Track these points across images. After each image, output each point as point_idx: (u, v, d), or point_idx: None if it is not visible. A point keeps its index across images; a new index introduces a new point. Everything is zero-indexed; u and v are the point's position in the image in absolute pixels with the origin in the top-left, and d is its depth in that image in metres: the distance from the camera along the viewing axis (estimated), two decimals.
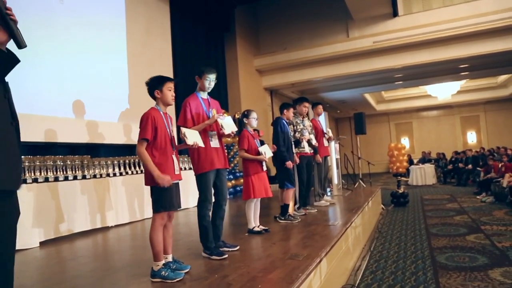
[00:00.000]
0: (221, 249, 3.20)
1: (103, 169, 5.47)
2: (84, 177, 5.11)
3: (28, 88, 4.89)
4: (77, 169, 5.07)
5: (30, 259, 3.76)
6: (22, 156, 4.48)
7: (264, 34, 12.69)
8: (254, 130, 4.19)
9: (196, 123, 3.14)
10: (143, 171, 3.17)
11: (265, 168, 3.97)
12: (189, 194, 6.62)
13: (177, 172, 2.72)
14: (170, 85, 2.76)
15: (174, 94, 2.77)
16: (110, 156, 5.80)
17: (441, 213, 7.37)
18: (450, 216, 6.99)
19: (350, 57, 11.27)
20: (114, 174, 5.61)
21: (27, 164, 4.47)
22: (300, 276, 2.43)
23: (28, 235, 4.21)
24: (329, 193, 6.89)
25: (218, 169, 3.19)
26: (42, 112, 5.04)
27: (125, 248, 4.11)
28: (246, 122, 4.06)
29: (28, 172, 4.46)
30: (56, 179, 4.75)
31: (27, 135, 4.88)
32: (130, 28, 6.85)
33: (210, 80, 3.23)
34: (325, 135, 5.99)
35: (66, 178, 4.87)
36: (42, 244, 4.32)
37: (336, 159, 7.04)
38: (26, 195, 4.27)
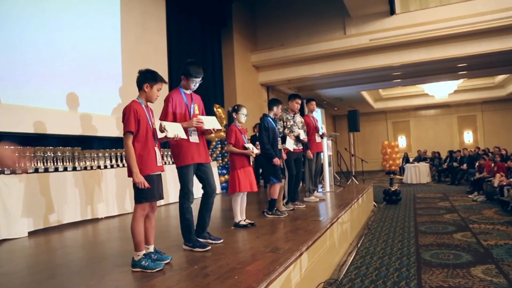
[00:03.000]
0: (205, 240, 3.24)
1: (94, 161, 5.50)
2: (74, 168, 5.14)
3: (21, 80, 4.91)
4: (68, 160, 5.09)
5: (18, 248, 3.79)
6: (12, 147, 4.51)
7: (261, 30, 12.69)
8: None
9: (178, 119, 3.14)
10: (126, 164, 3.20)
11: (251, 163, 4.00)
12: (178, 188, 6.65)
13: (159, 164, 2.75)
14: (161, 86, 2.81)
15: (159, 95, 2.82)
16: (103, 149, 5.83)
17: (432, 211, 7.42)
18: (440, 214, 7.04)
19: (347, 54, 11.29)
20: (105, 167, 5.64)
21: (17, 154, 4.49)
22: (277, 268, 2.46)
23: (17, 224, 4.24)
24: (320, 189, 6.92)
25: (199, 163, 3.22)
26: (34, 104, 5.07)
27: (112, 239, 4.15)
28: (235, 116, 4.08)
29: (18, 163, 4.48)
30: (46, 170, 4.78)
31: (19, 126, 4.93)
32: (125, 22, 6.86)
33: (196, 82, 3.24)
34: (319, 131, 6.00)
35: (56, 170, 4.90)
36: (31, 234, 4.35)
37: (329, 155, 7.07)
38: (16, 185, 4.30)
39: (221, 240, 3.35)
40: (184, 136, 2.93)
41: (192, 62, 3.22)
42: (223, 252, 3.02)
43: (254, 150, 3.99)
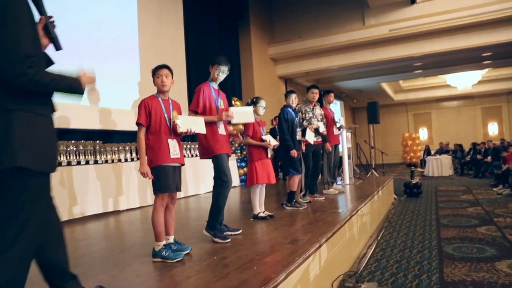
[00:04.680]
0: (224, 233, 3.26)
1: (115, 154, 5.60)
2: (96, 162, 5.24)
3: None
4: (89, 154, 5.20)
5: None
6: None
7: (279, 22, 12.59)
8: None
9: (208, 112, 3.19)
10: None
11: (269, 155, 4.00)
12: (200, 181, 6.71)
13: (174, 156, 2.76)
14: (159, 73, 2.80)
15: (164, 80, 2.78)
16: (124, 142, 5.93)
17: (454, 204, 7.26)
18: (463, 208, 6.88)
19: (366, 45, 11.10)
20: (126, 160, 5.73)
21: None
22: (296, 259, 2.46)
23: None
24: (339, 182, 6.87)
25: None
26: (57, 100, 5.17)
27: (133, 230, 4.22)
28: (254, 109, 4.08)
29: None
30: (69, 164, 4.89)
31: None
32: (142, 16, 6.90)
33: (221, 72, 3.26)
34: (336, 123, 5.94)
35: (78, 163, 5.01)
36: None
37: (348, 148, 7.00)
38: None
39: (240, 231, 3.36)
40: (203, 131, 2.94)
41: (222, 55, 3.37)
42: (242, 243, 3.03)
43: (271, 142, 3.98)
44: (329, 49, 11.48)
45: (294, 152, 4.48)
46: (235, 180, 8.37)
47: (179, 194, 5.82)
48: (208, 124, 3.08)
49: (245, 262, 2.49)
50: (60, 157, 4.81)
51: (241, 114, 3.28)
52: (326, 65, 11.96)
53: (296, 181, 4.62)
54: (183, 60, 7.89)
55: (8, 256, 1.39)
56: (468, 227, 5.31)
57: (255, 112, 4.06)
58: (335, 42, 11.23)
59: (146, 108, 2.74)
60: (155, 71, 2.82)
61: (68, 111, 5.30)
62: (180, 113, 2.88)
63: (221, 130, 3.23)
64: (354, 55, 11.47)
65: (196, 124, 2.92)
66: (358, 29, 11.05)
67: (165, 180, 2.72)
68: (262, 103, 4.06)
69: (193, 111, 3.18)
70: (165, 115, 2.79)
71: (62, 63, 5.68)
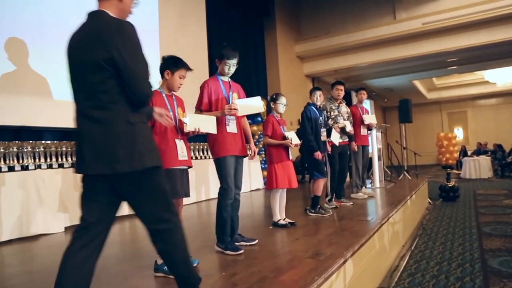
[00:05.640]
0: (237, 243, 2.95)
1: None
2: None
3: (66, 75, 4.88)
4: None
5: (48, 245, 3.73)
6: (49, 141, 4.49)
7: (306, 19, 12.18)
8: None
9: (214, 107, 2.89)
10: None
11: (291, 157, 3.65)
12: (210, 184, 6.45)
13: (182, 158, 2.48)
14: (184, 73, 2.57)
15: (182, 83, 2.58)
16: None
17: (497, 210, 6.65)
18: (507, 214, 6.27)
19: (397, 40, 10.57)
20: None
21: (53, 149, 4.46)
22: (316, 279, 2.11)
23: (54, 219, 4.20)
24: (369, 185, 6.43)
25: (236, 156, 2.92)
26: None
27: (138, 238, 3.94)
28: (273, 106, 3.76)
29: (54, 157, 4.45)
30: (73, 166, 4.73)
31: (58, 121, 4.91)
32: (163, 11, 6.70)
33: (230, 65, 2.94)
34: (363, 121, 5.52)
35: None
36: (68, 229, 4.30)
37: (378, 149, 6.55)
38: (52, 179, 4.26)
39: (255, 241, 3.04)
40: (213, 130, 2.67)
41: (226, 45, 2.98)
42: (257, 256, 2.70)
43: (293, 140, 3.62)
44: (358, 46, 11.02)
45: (318, 154, 4.11)
46: (258, 183, 8.05)
47: (190, 200, 5.57)
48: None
49: (257, 281, 2.16)
50: (72, 157, 4.65)
51: (247, 106, 2.91)
52: (355, 63, 11.49)
53: (321, 185, 4.25)
54: (205, 57, 7.65)
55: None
56: None
57: (275, 109, 3.74)
58: (364, 38, 10.76)
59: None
60: (179, 68, 2.54)
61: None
62: (184, 110, 2.59)
63: (231, 127, 2.90)
64: (385, 51, 10.95)
65: (205, 123, 2.62)
66: (389, 23, 10.53)
67: (173, 185, 2.43)
68: (282, 100, 3.72)
69: (197, 109, 2.90)
70: (171, 113, 2.51)
71: None
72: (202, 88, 2.96)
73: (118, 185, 1.67)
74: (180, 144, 2.51)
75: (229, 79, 3.07)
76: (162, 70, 2.59)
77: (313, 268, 2.32)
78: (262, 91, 10.02)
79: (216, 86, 2.97)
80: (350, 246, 2.76)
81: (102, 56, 1.57)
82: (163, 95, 2.54)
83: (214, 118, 2.73)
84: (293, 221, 3.73)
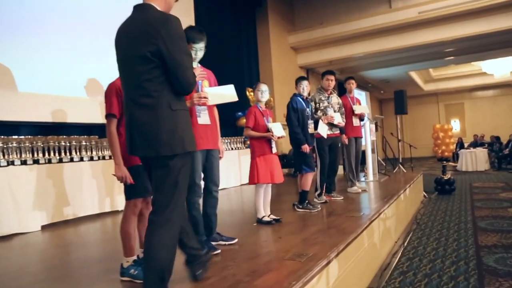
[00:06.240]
0: (215, 242, 2.75)
1: None
2: (91, 158, 4.84)
3: (38, 67, 4.66)
4: (84, 150, 4.81)
5: (21, 245, 3.54)
6: (22, 136, 4.29)
7: (299, 9, 11.91)
8: None
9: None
10: None
11: (274, 150, 3.45)
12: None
13: None
14: None
15: None
16: None
17: (493, 204, 6.48)
18: (503, 208, 6.10)
19: (393, 30, 10.30)
20: None
21: (27, 144, 4.24)
22: (293, 284, 1.92)
23: (29, 218, 4.00)
24: (362, 179, 6.24)
25: (208, 150, 2.71)
26: (53, 92, 4.82)
27: (117, 237, 3.77)
28: (253, 93, 3.55)
29: (29, 153, 4.23)
30: (61, 161, 4.51)
31: (36, 115, 4.70)
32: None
33: (197, 50, 2.65)
34: (353, 112, 5.30)
35: (72, 160, 4.62)
36: (45, 227, 4.12)
37: (372, 141, 6.36)
38: (26, 176, 4.05)
39: (235, 240, 2.85)
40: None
41: (191, 26, 2.71)
42: (235, 257, 2.51)
43: (275, 132, 3.40)
44: (353, 36, 10.76)
45: (306, 147, 3.91)
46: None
47: None
48: None
49: (229, 286, 1.97)
50: (49, 153, 4.44)
51: (218, 94, 2.64)
52: (350, 53, 11.24)
53: (309, 179, 4.05)
54: None
55: (179, 213, 1.80)
56: (511, 232, 4.59)
57: (256, 98, 3.53)
58: (359, 28, 10.50)
59: (118, 95, 2.25)
60: None
61: (65, 104, 4.95)
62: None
63: (203, 119, 2.67)
64: (380, 41, 10.69)
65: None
66: (384, 12, 10.27)
67: (144, 182, 2.22)
68: (261, 87, 3.49)
69: None
70: None
71: (62, 54, 5.28)
72: None
73: (151, 165, 1.77)
74: None
75: (198, 65, 2.82)
76: None
77: (292, 271, 2.13)
78: (255, 82, 9.77)
79: None
80: (335, 246, 2.57)
81: (149, 48, 1.66)
82: None
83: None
84: (278, 217, 3.54)
